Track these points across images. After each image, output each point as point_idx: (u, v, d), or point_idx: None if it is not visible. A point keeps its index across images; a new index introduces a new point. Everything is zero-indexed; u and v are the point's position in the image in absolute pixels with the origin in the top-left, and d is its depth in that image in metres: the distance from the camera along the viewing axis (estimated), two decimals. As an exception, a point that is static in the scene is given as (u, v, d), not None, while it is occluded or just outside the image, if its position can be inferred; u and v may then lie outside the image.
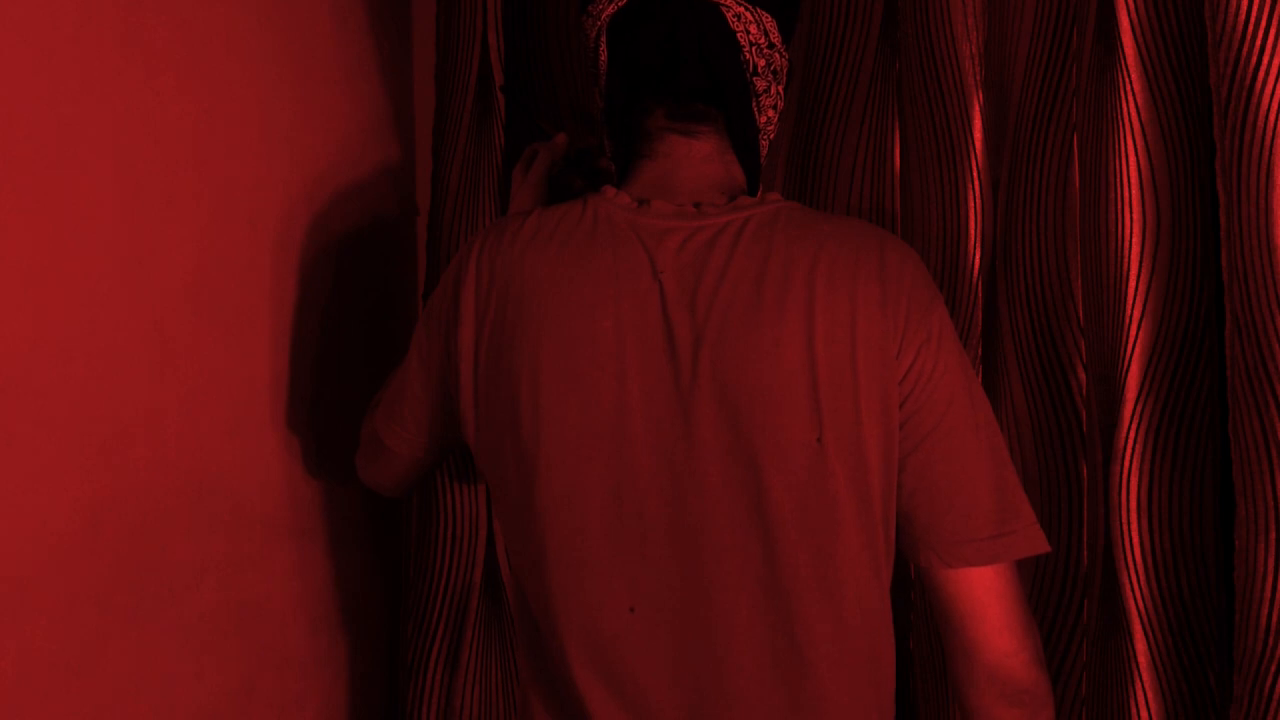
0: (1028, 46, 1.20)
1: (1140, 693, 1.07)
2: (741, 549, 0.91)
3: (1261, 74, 0.92)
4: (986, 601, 0.94)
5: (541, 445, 0.93)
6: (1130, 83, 1.06)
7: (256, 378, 1.23)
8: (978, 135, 1.28)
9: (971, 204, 1.28)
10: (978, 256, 1.28)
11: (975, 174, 1.28)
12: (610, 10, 1.02)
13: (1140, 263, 1.06)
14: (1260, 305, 0.93)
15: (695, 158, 1.03)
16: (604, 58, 1.03)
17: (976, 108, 1.28)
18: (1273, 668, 0.94)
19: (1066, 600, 1.19)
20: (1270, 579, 0.94)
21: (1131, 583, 1.07)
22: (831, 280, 0.93)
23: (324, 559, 1.39)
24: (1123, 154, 1.06)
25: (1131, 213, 1.06)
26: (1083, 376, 1.17)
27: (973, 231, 1.28)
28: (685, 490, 0.92)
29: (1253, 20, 0.92)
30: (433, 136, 1.47)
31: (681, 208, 0.99)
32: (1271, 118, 0.92)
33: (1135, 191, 1.06)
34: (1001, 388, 1.25)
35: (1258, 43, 0.92)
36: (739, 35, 1.01)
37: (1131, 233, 1.06)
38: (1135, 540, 1.07)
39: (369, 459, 1.20)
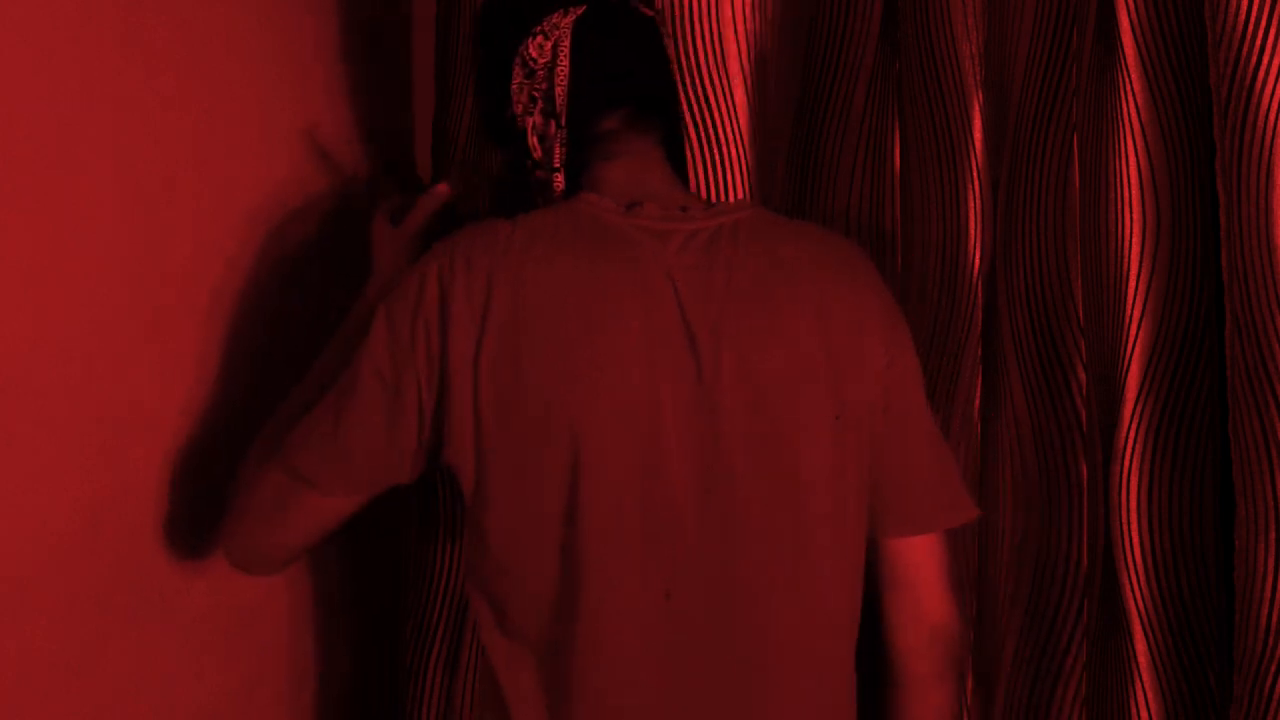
0: (1028, 46, 1.20)
1: (1140, 693, 1.08)
2: (773, 532, 0.98)
3: (1261, 74, 0.92)
4: (933, 565, 1.07)
5: (583, 451, 0.95)
6: (1130, 83, 1.06)
7: (257, 377, 1.23)
8: (978, 135, 1.28)
9: (971, 204, 1.28)
10: (978, 256, 1.28)
11: (975, 174, 1.28)
12: (569, 20, 1.06)
13: (1140, 263, 1.06)
14: (1260, 305, 0.93)
15: (654, 161, 1.10)
16: (564, 66, 1.06)
17: (976, 108, 1.28)
18: (1273, 668, 0.94)
19: (1066, 600, 1.19)
20: (1270, 579, 0.94)
21: (1131, 583, 1.07)
22: (833, 275, 1.04)
23: (323, 559, 1.39)
24: (1123, 154, 1.06)
25: (1131, 213, 1.06)
26: (1083, 376, 1.17)
27: (973, 231, 1.28)
28: (716, 478, 0.97)
29: (1253, 20, 0.92)
30: (432, 136, 1.47)
31: (668, 211, 1.03)
32: (1271, 118, 0.92)
33: (1135, 191, 1.06)
34: (1001, 388, 1.25)
35: (1258, 43, 0.92)
36: (668, 50, 1.14)
37: (1131, 233, 1.06)
38: (1135, 540, 1.07)
39: (264, 520, 1.02)
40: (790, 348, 0.99)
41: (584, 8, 1.07)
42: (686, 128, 1.13)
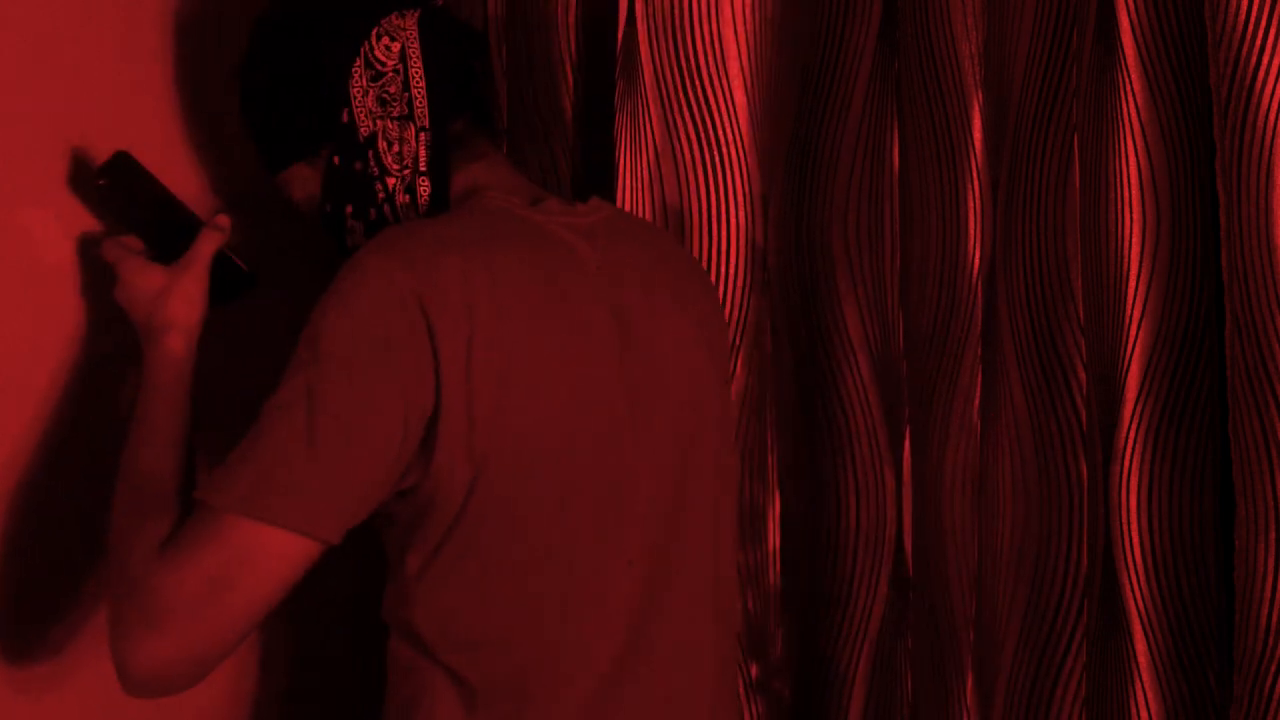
0: (1028, 46, 1.20)
1: (1140, 693, 1.08)
2: (702, 492, 1.07)
3: (1261, 74, 0.92)
4: None
5: (578, 442, 0.98)
6: (1130, 83, 1.06)
7: (258, 376, 1.22)
8: (977, 135, 1.28)
9: (971, 204, 1.28)
10: (977, 256, 1.28)
11: (975, 174, 1.28)
12: (412, 22, 1.05)
13: (1140, 263, 1.07)
14: (1260, 305, 0.94)
15: (506, 161, 1.14)
16: (418, 67, 1.04)
17: (976, 108, 1.28)
18: (1273, 668, 0.94)
19: (1066, 600, 1.19)
20: (1270, 579, 0.94)
21: (1131, 583, 1.08)
22: (694, 264, 1.24)
23: (324, 558, 1.39)
24: (1123, 154, 1.07)
25: (1131, 213, 1.07)
26: (1083, 376, 1.18)
27: (973, 231, 1.28)
28: (660, 450, 1.04)
29: (1253, 20, 0.92)
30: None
31: (564, 207, 1.07)
32: (1271, 118, 0.92)
33: (1135, 191, 1.06)
34: (1001, 388, 1.25)
35: (1258, 43, 0.92)
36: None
37: (1131, 233, 1.07)
38: (1135, 540, 1.07)
39: (215, 591, 0.86)
40: (697, 326, 1.10)
41: (418, 10, 1.06)
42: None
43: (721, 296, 1.35)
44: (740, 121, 1.35)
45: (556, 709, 0.98)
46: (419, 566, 0.96)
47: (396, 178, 1.04)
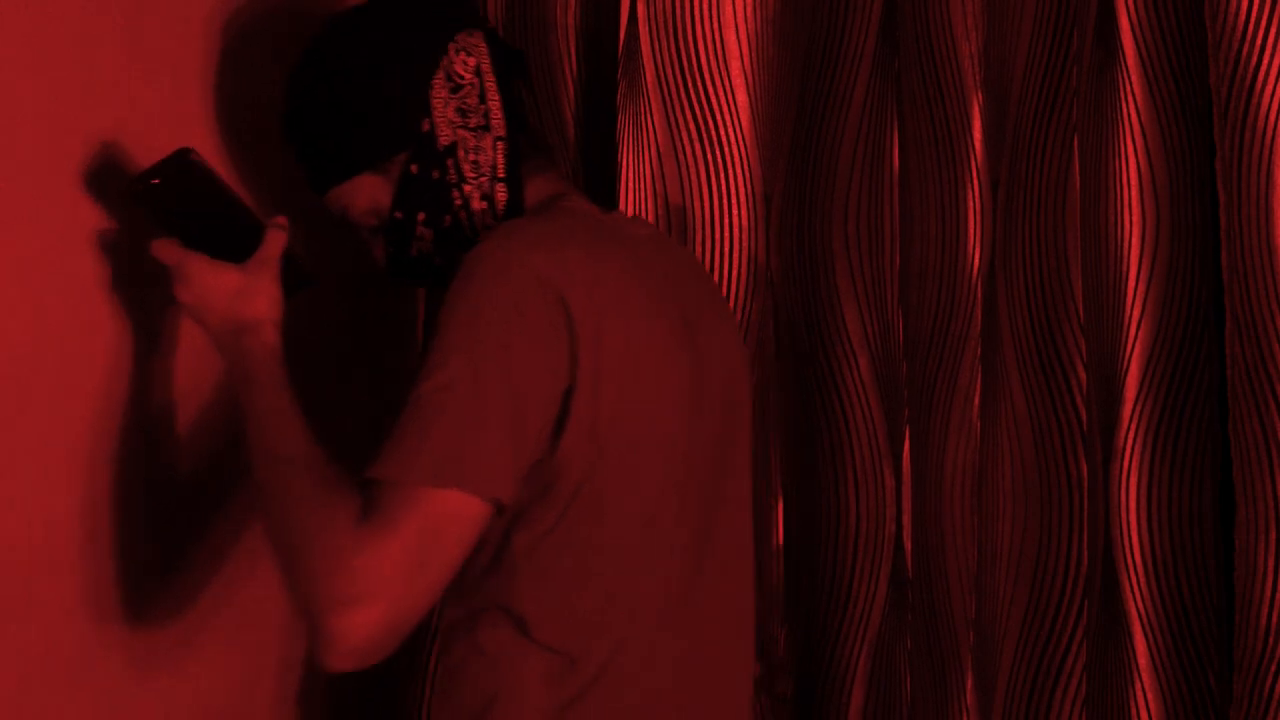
0: (1028, 46, 1.21)
1: (1140, 693, 1.08)
2: (735, 485, 1.14)
3: (1261, 74, 0.93)
4: None
5: (665, 436, 1.04)
6: (1130, 83, 1.06)
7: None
8: (977, 135, 1.28)
9: (971, 204, 1.28)
10: (978, 256, 1.28)
11: (975, 174, 1.28)
12: (479, 37, 1.11)
13: (1140, 263, 1.07)
14: (1260, 305, 0.94)
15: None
16: (492, 81, 1.10)
17: (976, 108, 1.28)
18: (1273, 668, 0.94)
19: (1066, 600, 1.20)
20: (1270, 579, 0.94)
21: (1131, 583, 1.08)
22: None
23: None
24: (1123, 154, 1.07)
25: (1131, 213, 1.07)
26: (1083, 376, 1.18)
27: (973, 231, 1.28)
28: (705, 443, 1.08)
29: (1253, 20, 0.93)
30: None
31: (625, 217, 1.14)
32: (1271, 118, 0.92)
33: (1135, 192, 1.07)
34: (1001, 388, 1.25)
35: (1258, 43, 0.93)
36: None
37: (1131, 233, 1.07)
38: (1135, 540, 1.08)
39: (422, 559, 0.91)
40: (732, 331, 1.19)
41: (482, 29, 1.12)
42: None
43: (724, 295, 1.36)
44: (742, 120, 1.36)
45: (649, 676, 1.02)
46: (528, 544, 0.99)
47: (473, 185, 1.09)
